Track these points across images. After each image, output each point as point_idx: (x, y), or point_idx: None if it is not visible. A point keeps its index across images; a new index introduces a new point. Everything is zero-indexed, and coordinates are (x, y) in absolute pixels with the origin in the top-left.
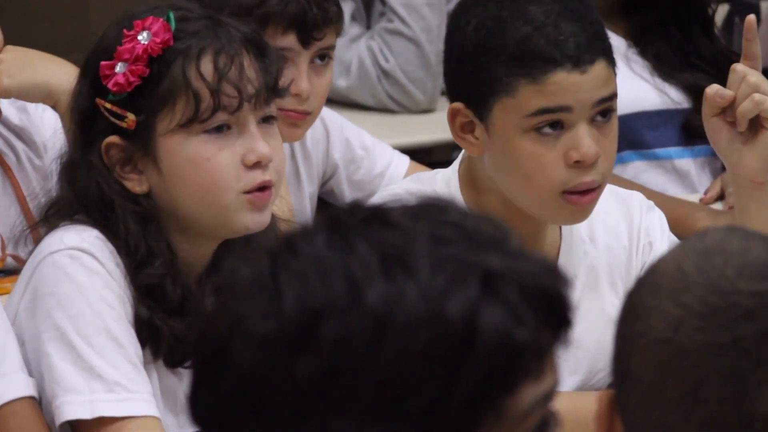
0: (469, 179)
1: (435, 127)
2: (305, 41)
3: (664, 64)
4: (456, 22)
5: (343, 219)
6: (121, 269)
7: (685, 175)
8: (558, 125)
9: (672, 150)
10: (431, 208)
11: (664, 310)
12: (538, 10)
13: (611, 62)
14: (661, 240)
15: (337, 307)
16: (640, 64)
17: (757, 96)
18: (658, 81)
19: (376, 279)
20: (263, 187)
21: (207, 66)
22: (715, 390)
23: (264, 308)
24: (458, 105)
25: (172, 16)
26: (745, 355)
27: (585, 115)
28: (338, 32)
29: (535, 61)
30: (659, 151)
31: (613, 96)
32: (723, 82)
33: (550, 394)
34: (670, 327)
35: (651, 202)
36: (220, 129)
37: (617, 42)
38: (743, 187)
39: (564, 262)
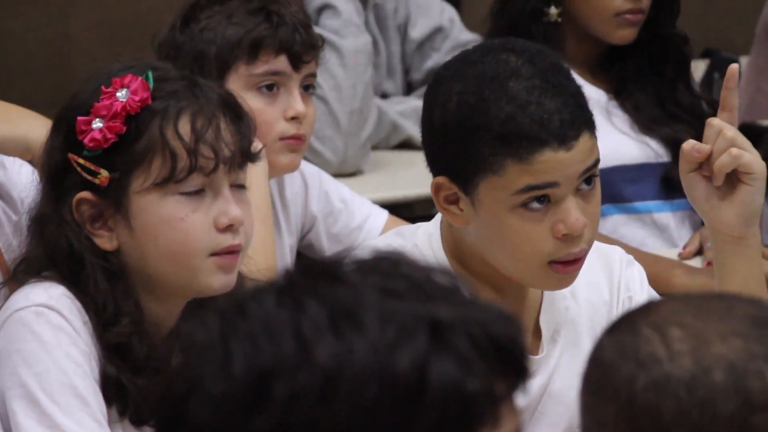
0: (451, 241)
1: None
2: (296, 64)
3: (643, 116)
4: (435, 97)
5: (293, 278)
6: (87, 327)
7: (664, 229)
8: (545, 199)
9: (651, 204)
10: (382, 262)
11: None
12: (520, 88)
13: (594, 131)
14: (640, 294)
15: (286, 365)
16: (620, 118)
17: (734, 150)
18: (639, 134)
19: (325, 336)
20: (232, 251)
21: (185, 126)
22: None
23: (216, 369)
24: (442, 179)
25: (150, 75)
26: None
27: (571, 188)
28: (318, 60)
29: (521, 141)
30: (638, 204)
31: (597, 163)
32: (700, 133)
33: None
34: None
35: (631, 257)
36: (196, 189)
37: (598, 95)
38: (722, 242)
39: (546, 318)
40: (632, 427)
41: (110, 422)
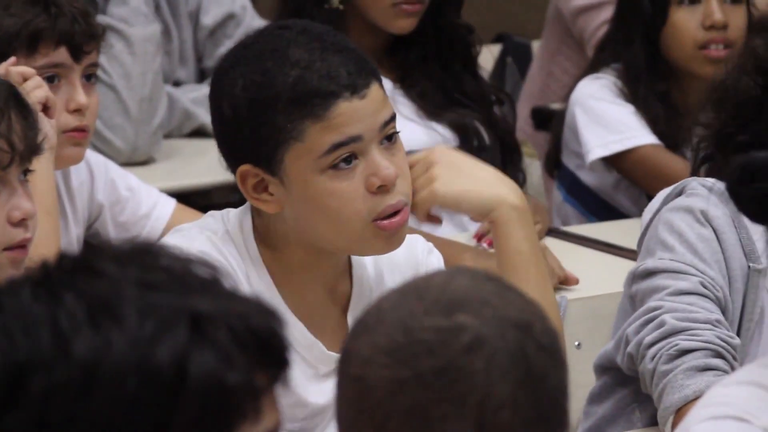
0: (262, 228)
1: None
2: (76, 55)
3: (429, 103)
4: (220, 87)
5: (49, 271)
6: None
7: (453, 213)
8: (351, 158)
9: None
10: (140, 254)
11: (358, 348)
12: (301, 52)
13: (381, 84)
14: None
15: (43, 360)
16: (406, 105)
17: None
18: (425, 120)
19: (83, 330)
20: (23, 245)
21: None
22: (401, 425)
23: None
24: (246, 167)
25: None
26: (427, 390)
27: (374, 141)
28: (100, 49)
29: (314, 99)
30: None
31: (394, 117)
32: (486, 119)
33: None
34: (361, 365)
35: (431, 245)
36: None
37: (384, 83)
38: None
39: (353, 314)
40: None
41: None
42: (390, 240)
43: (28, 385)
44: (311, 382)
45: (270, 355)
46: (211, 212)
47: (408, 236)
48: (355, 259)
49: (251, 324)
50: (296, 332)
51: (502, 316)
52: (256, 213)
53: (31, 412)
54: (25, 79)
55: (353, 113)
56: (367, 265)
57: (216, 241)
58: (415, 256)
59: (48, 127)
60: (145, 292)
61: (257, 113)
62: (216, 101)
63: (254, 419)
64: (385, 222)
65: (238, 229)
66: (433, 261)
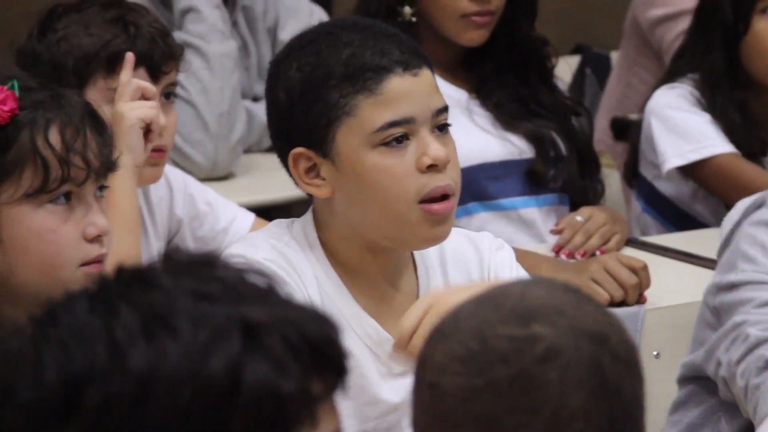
0: (325, 236)
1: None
2: (155, 76)
3: (504, 114)
4: (276, 75)
5: (107, 284)
6: None
7: (531, 225)
8: (403, 137)
9: (516, 200)
10: (196, 265)
11: (434, 355)
12: (354, 36)
13: (433, 75)
14: (510, 277)
15: (98, 372)
16: (481, 116)
17: None
18: (501, 131)
19: (138, 341)
20: (99, 260)
21: (55, 137)
22: None
23: (28, 378)
24: (298, 150)
25: (16, 84)
26: (499, 399)
27: (427, 124)
28: (179, 68)
29: (366, 73)
30: (504, 201)
31: (447, 109)
32: (562, 129)
33: None
34: (436, 371)
35: (501, 241)
36: (64, 200)
37: (458, 94)
38: None
39: None
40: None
41: None
42: (436, 227)
43: (83, 397)
44: (384, 380)
45: (326, 362)
46: (276, 221)
47: (474, 233)
48: (417, 256)
49: (306, 331)
50: (369, 329)
51: (577, 327)
52: (316, 216)
53: (87, 423)
54: (144, 98)
55: (406, 90)
56: (432, 262)
57: (281, 248)
58: (480, 252)
59: (140, 145)
60: (199, 302)
61: (310, 91)
62: (271, 90)
63: (311, 426)
64: (433, 205)
65: (302, 235)
66: (502, 257)
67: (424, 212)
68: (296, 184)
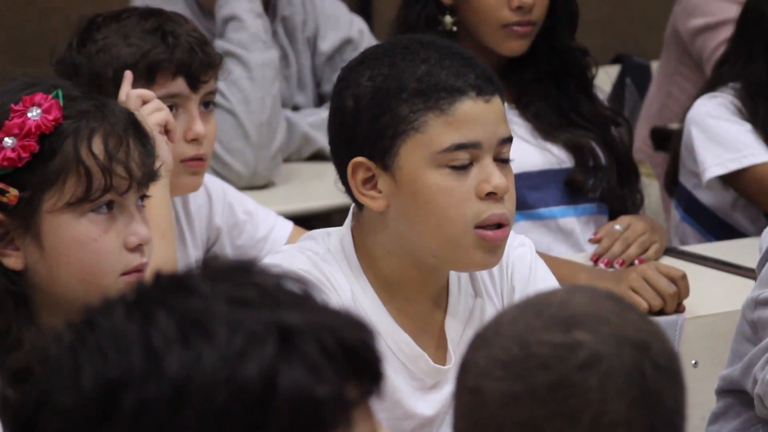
0: (361, 245)
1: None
2: (194, 85)
3: (544, 123)
4: (345, 81)
5: (145, 290)
6: None
7: (569, 234)
8: (467, 162)
9: (555, 209)
10: (234, 272)
11: (475, 360)
12: (432, 53)
13: (504, 104)
14: (528, 274)
15: (135, 377)
16: (521, 126)
17: None
18: (540, 141)
19: (174, 346)
20: (140, 269)
21: (98, 146)
22: None
23: (65, 383)
24: (359, 159)
25: (61, 94)
26: (540, 405)
27: (491, 152)
28: (218, 76)
29: (440, 93)
30: (543, 210)
31: (512, 140)
32: (602, 139)
33: None
34: (477, 376)
35: (523, 237)
36: (106, 209)
37: None
38: None
39: (451, 325)
40: None
41: None
42: (488, 253)
43: (120, 402)
44: (417, 394)
45: (361, 367)
46: (311, 233)
47: None
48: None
49: (341, 337)
50: (403, 344)
51: (619, 335)
52: (356, 229)
53: (123, 428)
54: (145, 103)
55: (477, 115)
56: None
57: (317, 261)
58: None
59: (166, 151)
60: (235, 308)
61: (380, 102)
62: (339, 95)
63: (346, 431)
64: (489, 232)
65: (339, 248)
66: (522, 254)
67: (478, 237)
68: (347, 192)
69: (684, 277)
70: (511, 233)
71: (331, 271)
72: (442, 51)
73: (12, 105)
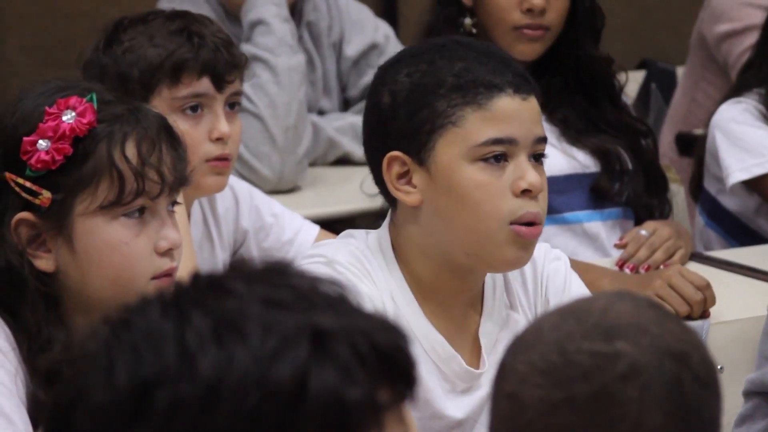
0: (398, 246)
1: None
2: (219, 85)
3: (570, 129)
4: (383, 78)
5: (181, 290)
6: (14, 348)
7: (595, 238)
8: (502, 157)
9: (581, 214)
10: (269, 272)
11: (515, 365)
12: (470, 52)
13: (539, 104)
14: (562, 287)
15: (168, 376)
16: (548, 131)
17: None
18: (566, 146)
19: (208, 346)
20: (170, 273)
21: (131, 150)
22: None
23: (100, 380)
24: (394, 153)
25: (95, 97)
26: (578, 413)
27: (526, 150)
28: (243, 77)
29: (478, 88)
30: (568, 215)
31: (546, 140)
32: (629, 146)
33: None
34: (516, 382)
35: (558, 251)
36: (138, 214)
37: None
38: None
39: (485, 330)
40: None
41: None
42: (521, 250)
43: (153, 400)
44: (448, 396)
45: (394, 371)
46: (350, 231)
47: None
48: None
49: (374, 340)
50: (437, 345)
51: (660, 345)
52: (395, 228)
53: (156, 426)
54: None
55: (514, 112)
56: (497, 277)
57: (359, 255)
58: (535, 263)
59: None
60: (270, 309)
61: (418, 97)
62: (375, 92)
63: None
64: (523, 228)
65: (377, 246)
66: (557, 267)
67: (513, 233)
68: (380, 188)
69: (709, 286)
70: (548, 246)
71: (372, 267)
72: (480, 50)
73: (46, 108)
